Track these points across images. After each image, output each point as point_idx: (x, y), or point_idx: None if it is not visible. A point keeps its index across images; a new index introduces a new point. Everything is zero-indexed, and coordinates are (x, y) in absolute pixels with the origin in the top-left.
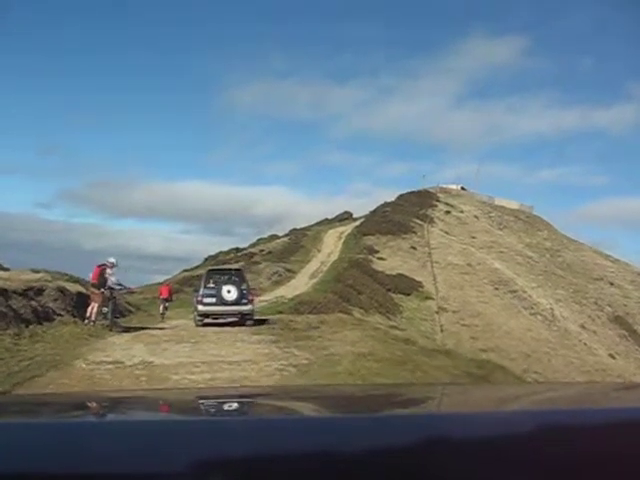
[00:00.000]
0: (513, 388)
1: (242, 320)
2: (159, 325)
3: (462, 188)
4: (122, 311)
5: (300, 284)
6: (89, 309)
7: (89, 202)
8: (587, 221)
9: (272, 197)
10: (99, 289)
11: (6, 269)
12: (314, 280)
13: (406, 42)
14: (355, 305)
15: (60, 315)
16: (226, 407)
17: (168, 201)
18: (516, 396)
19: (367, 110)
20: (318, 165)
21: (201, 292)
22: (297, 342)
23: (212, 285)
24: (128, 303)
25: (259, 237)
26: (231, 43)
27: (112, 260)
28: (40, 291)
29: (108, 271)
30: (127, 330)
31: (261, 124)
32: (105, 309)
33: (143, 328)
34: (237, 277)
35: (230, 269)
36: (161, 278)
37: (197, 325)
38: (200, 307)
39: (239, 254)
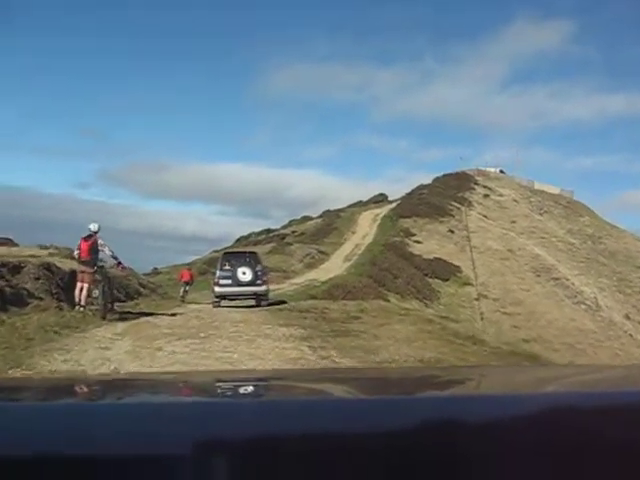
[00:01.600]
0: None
1: (258, 300)
2: (172, 310)
3: (501, 171)
4: (118, 292)
5: (334, 267)
6: (77, 292)
7: (127, 183)
8: (628, 208)
9: (307, 180)
10: (93, 267)
11: (15, 245)
12: (348, 263)
13: (451, 26)
14: (391, 290)
15: (40, 298)
16: (238, 390)
17: (204, 183)
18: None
19: (408, 94)
20: (355, 149)
21: (217, 274)
22: (335, 339)
23: (228, 267)
24: (141, 286)
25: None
26: (272, 27)
27: (95, 226)
28: (17, 268)
29: (100, 242)
30: (125, 318)
31: (300, 107)
32: (96, 292)
33: (149, 314)
34: (252, 259)
35: (245, 252)
36: (194, 258)
37: (214, 307)
38: (217, 289)
39: (271, 235)
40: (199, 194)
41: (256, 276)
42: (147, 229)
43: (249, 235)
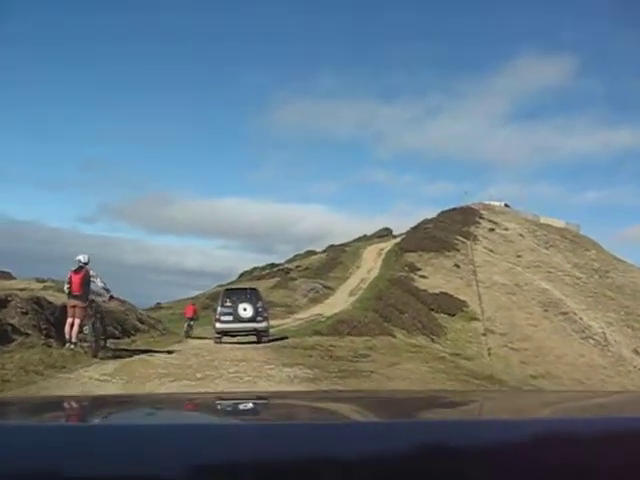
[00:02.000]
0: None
1: (258, 337)
2: (170, 347)
3: (506, 205)
4: (113, 328)
5: (339, 302)
6: (67, 328)
7: (130, 217)
8: (635, 242)
9: (312, 215)
10: (85, 300)
11: (12, 278)
12: (353, 298)
13: (453, 62)
14: (397, 325)
15: (26, 334)
16: (236, 411)
17: (209, 217)
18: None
19: (412, 129)
20: (360, 184)
21: (219, 310)
22: (344, 380)
23: (229, 304)
24: (139, 322)
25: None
26: (278, 62)
27: (85, 257)
28: (3, 302)
29: (92, 272)
30: (119, 355)
31: (304, 142)
32: (86, 328)
33: (146, 351)
34: (252, 296)
35: (245, 288)
36: (197, 293)
37: (216, 342)
38: (218, 325)
39: (275, 269)
40: (203, 228)
41: (257, 312)
42: (151, 263)
43: (253, 270)
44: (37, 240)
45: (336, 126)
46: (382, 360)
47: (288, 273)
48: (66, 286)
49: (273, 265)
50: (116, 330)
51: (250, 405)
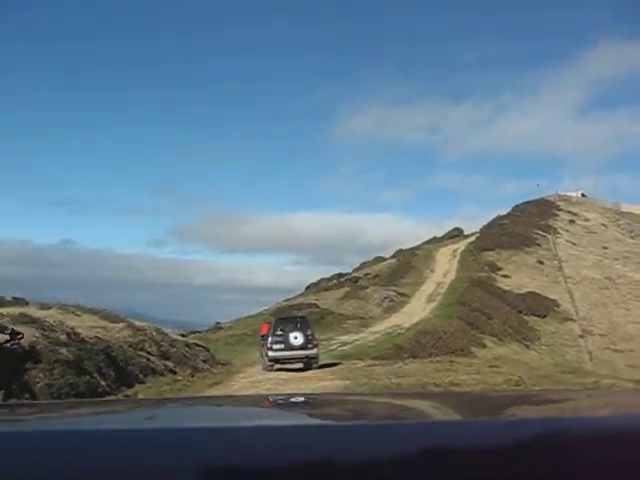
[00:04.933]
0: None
1: (308, 363)
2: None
3: (582, 195)
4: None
5: (417, 310)
6: None
7: (200, 238)
8: None
9: (381, 224)
10: None
11: (25, 303)
12: (432, 304)
13: (525, 57)
14: (486, 332)
15: None
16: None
17: (277, 233)
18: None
19: (482, 129)
20: (429, 190)
21: (270, 339)
22: None
23: (280, 332)
24: (162, 357)
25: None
26: (347, 73)
27: None
28: None
29: None
30: None
31: (373, 151)
32: None
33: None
34: (302, 324)
35: (295, 317)
36: (261, 309)
37: (267, 370)
38: (270, 353)
39: (342, 279)
40: (272, 244)
41: (307, 340)
42: (220, 283)
43: (319, 281)
44: (109, 267)
45: (406, 133)
46: None
47: (357, 282)
48: None
49: (340, 275)
50: (96, 377)
51: (290, 407)
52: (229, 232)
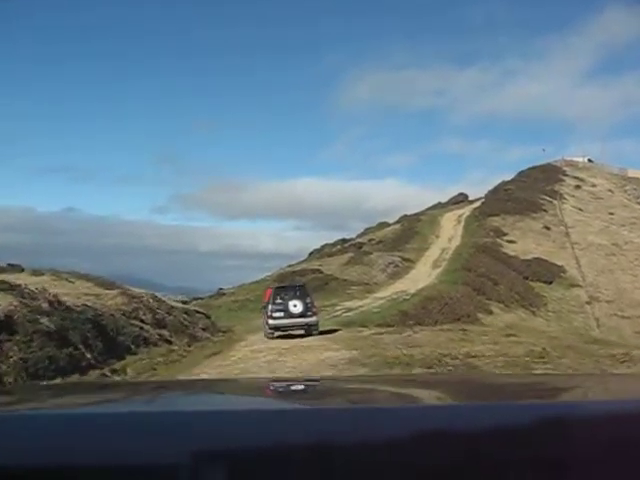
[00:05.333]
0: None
1: (308, 330)
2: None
3: (589, 160)
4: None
5: (422, 275)
6: None
7: (203, 205)
8: None
9: (386, 190)
10: None
11: (21, 270)
12: (438, 270)
13: (533, 22)
14: (492, 298)
15: None
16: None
17: (280, 199)
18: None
19: (488, 94)
20: (433, 155)
21: (270, 308)
22: None
23: (280, 301)
24: (157, 325)
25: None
26: (348, 37)
27: None
28: None
29: None
30: None
31: (377, 117)
32: None
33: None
34: (301, 292)
35: (294, 285)
36: (264, 275)
37: (268, 337)
38: (270, 321)
39: (346, 245)
40: (275, 211)
41: (306, 308)
42: (224, 249)
43: (322, 247)
44: (112, 234)
45: (410, 97)
46: None
47: (360, 247)
48: None
49: (344, 240)
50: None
51: (293, 389)
52: (231, 199)
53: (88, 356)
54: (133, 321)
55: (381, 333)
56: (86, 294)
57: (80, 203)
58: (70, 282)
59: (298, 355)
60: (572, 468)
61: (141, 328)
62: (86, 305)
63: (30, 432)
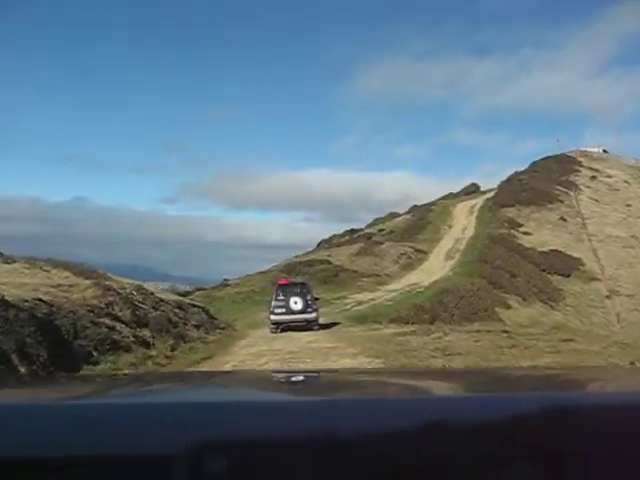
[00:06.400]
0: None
1: (309, 325)
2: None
3: (604, 151)
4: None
5: (435, 267)
6: None
7: (211, 195)
8: None
9: (397, 182)
10: None
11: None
12: (452, 262)
13: (549, 13)
14: (510, 291)
15: None
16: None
17: (290, 190)
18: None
19: (502, 85)
20: (445, 147)
21: (273, 304)
22: None
23: (282, 297)
24: (136, 324)
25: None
26: (361, 30)
27: None
28: None
29: None
30: None
31: (389, 109)
32: None
33: None
34: (302, 289)
35: (296, 283)
36: (270, 266)
37: (271, 332)
38: (272, 317)
39: (355, 236)
40: (285, 202)
41: (307, 305)
42: (232, 239)
43: (331, 238)
44: (121, 224)
45: (423, 89)
46: None
47: (370, 238)
48: None
49: (353, 231)
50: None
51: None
52: (240, 189)
53: (22, 370)
54: (103, 319)
55: (405, 333)
56: (56, 285)
57: (89, 193)
58: (45, 271)
59: (307, 364)
60: (584, 459)
61: (112, 328)
62: (40, 300)
63: (32, 424)
